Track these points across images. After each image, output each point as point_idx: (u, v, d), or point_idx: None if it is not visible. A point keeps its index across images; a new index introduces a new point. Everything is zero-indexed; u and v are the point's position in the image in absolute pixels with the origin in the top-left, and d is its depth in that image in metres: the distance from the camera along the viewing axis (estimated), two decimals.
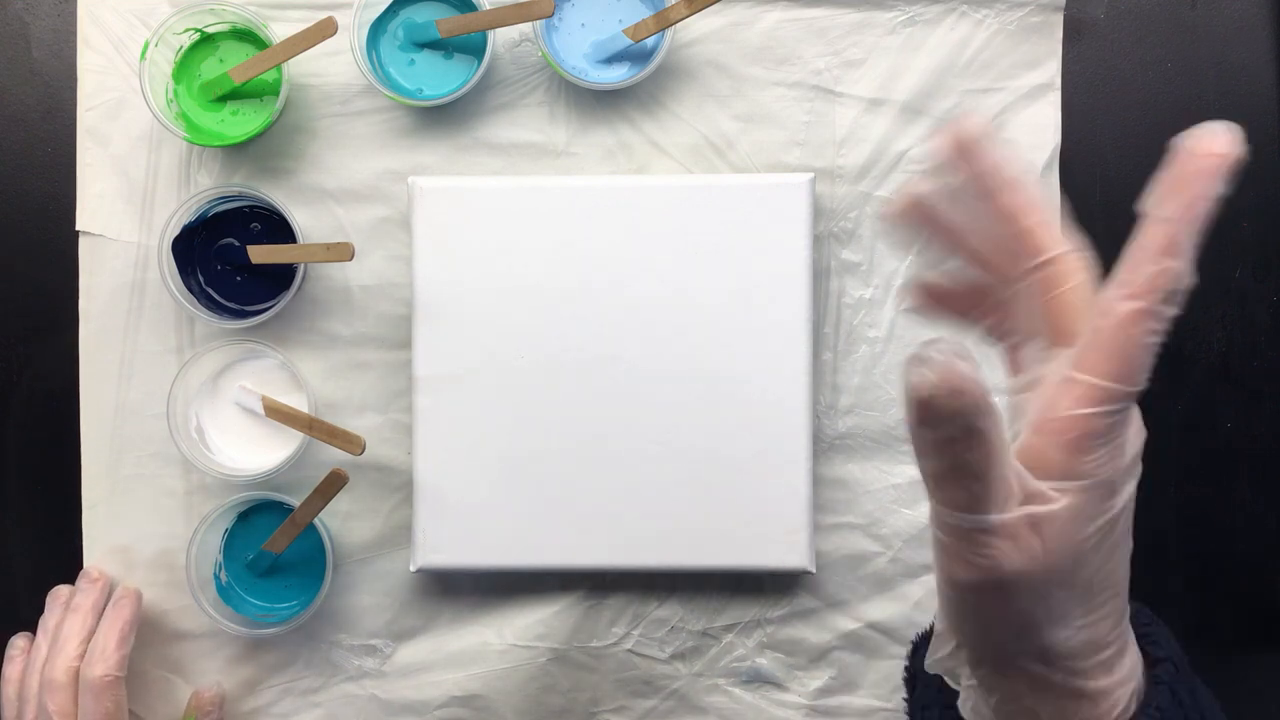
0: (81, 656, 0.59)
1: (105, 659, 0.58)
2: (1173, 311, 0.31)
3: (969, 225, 0.36)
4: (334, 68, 0.64)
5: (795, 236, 0.62)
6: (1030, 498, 0.31)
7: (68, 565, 0.65)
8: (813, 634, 0.64)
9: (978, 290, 0.37)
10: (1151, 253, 0.31)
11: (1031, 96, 0.64)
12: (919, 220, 0.37)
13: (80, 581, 0.63)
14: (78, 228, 0.65)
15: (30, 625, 0.62)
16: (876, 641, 0.64)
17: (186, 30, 0.63)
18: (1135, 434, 0.32)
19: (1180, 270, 0.30)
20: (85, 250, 0.65)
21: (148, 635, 0.64)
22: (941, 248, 0.37)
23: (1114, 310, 0.31)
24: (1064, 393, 0.31)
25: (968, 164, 0.35)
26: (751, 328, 0.62)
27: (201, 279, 0.64)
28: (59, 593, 0.63)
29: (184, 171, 0.65)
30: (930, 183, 0.36)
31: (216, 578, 0.64)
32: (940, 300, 0.39)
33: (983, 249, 0.36)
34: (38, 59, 0.66)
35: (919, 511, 0.64)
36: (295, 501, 0.61)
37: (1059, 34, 0.64)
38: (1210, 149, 0.32)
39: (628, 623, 0.65)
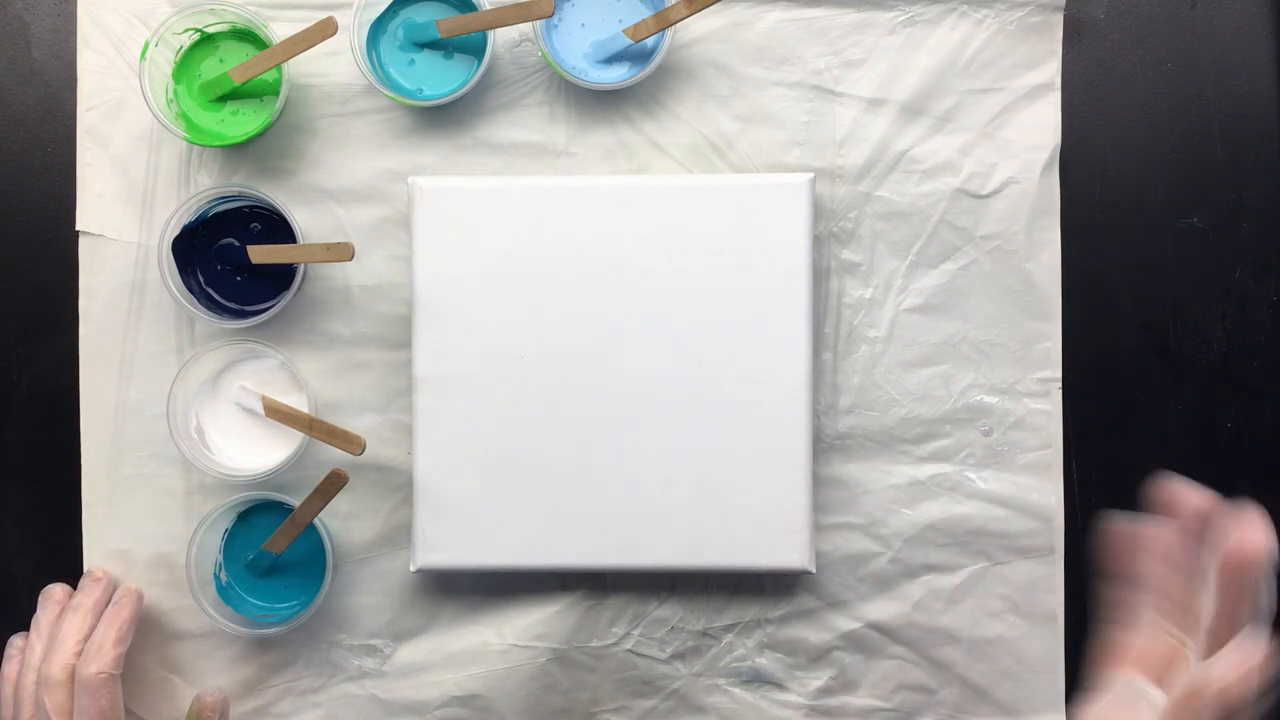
0: (80, 655, 0.59)
1: (101, 657, 0.58)
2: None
3: (1188, 570, 0.40)
4: (334, 68, 0.64)
5: (795, 236, 0.62)
6: None
7: (68, 565, 0.65)
8: (813, 634, 0.64)
9: (1155, 609, 0.42)
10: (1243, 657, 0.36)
11: (1031, 96, 0.64)
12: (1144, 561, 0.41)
13: (84, 580, 0.63)
14: (78, 228, 0.65)
15: (30, 625, 0.62)
16: (876, 641, 0.64)
17: (186, 30, 0.63)
18: None
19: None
20: (85, 250, 0.65)
21: (148, 635, 0.64)
22: (1150, 572, 0.41)
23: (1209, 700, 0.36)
24: None
25: (1229, 561, 0.38)
26: (751, 327, 0.62)
27: (201, 279, 0.64)
28: (51, 591, 0.63)
29: (184, 171, 0.65)
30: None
31: (216, 578, 0.64)
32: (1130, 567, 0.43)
33: (1181, 593, 0.40)
34: (38, 59, 0.66)
35: (919, 511, 0.64)
36: (295, 501, 0.61)
37: (1059, 34, 0.64)
38: (1248, 552, 0.36)
39: (628, 623, 0.65)
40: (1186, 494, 0.41)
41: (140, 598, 0.63)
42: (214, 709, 0.62)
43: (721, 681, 0.65)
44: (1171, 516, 0.42)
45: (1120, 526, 0.42)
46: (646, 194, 0.62)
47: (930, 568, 0.64)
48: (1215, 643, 0.38)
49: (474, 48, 0.64)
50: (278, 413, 0.61)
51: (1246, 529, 0.37)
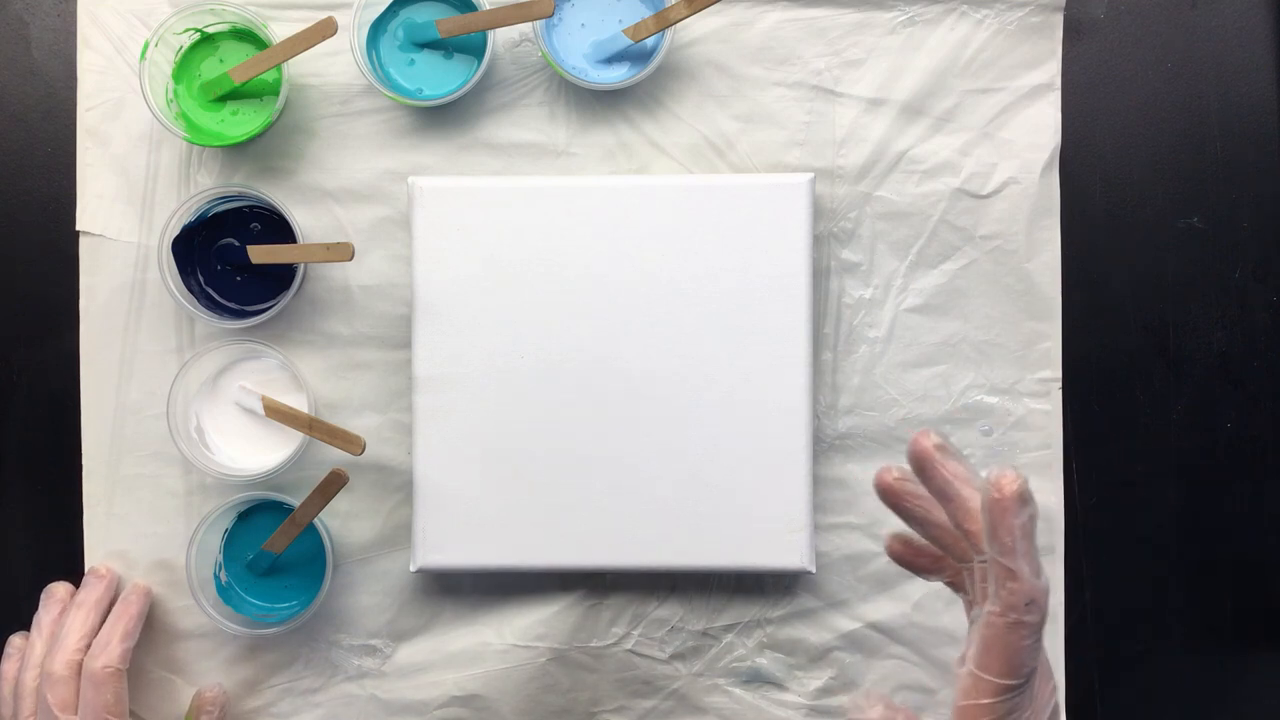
0: (82, 651, 0.59)
1: (108, 651, 0.59)
2: (1037, 615, 0.42)
3: (935, 514, 0.46)
4: (334, 68, 0.64)
5: (795, 236, 0.62)
6: None
7: (68, 565, 0.65)
8: (813, 634, 0.64)
9: (940, 557, 0.48)
10: (1001, 580, 0.41)
11: (1031, 96, 0.64)
12: (899, 501, 0.47)
13: (87, 577, 0.63)
14: (78, 228, 0.65)
15: (31, 625, 0.62)
16: (876, 641, 0.64)
17: (186, 30, 0.63)
18: (1043, 688, 0.45)
19: (1024, 587, 0.41)
20: (85, 250, 0.65)
21: (148, 635, 0.64)
22: (916, 523, 0.47)
23: (994, 624, 0.42)
24: (972, 685, 0.43)
25: (925, 478, 0.45)
26: (751, 327, 0.62)
27: (201, 279, 0.64)
28: (53, 590, 0.63)
29: (184, 171, 0.65)
30: (900, 475, 0.47)
31: (216, 578, 0.64)
32: (914, 555, 0.49)
33: (944, 533, 0.47)
34: (38, 59, 0.66)
35: None
36: (295, 501, 0.61)
37: (1059, 34, 0.64)
38: (1004, 491, 0.41)
39: (628, 623, 0.65)
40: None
41: (148, 594, 0.63)
42: (214, 703, 0.63)
43: (721, 681, 0.65)
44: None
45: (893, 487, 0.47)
46: (646, 194, 0.62)
47: None
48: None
49: (474, 48, 0.64)
50: (278, 413, 0.61)
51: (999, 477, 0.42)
